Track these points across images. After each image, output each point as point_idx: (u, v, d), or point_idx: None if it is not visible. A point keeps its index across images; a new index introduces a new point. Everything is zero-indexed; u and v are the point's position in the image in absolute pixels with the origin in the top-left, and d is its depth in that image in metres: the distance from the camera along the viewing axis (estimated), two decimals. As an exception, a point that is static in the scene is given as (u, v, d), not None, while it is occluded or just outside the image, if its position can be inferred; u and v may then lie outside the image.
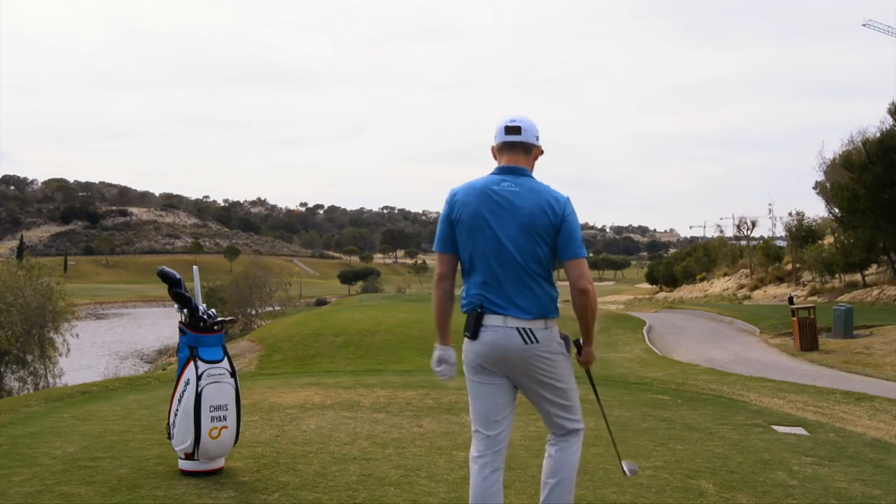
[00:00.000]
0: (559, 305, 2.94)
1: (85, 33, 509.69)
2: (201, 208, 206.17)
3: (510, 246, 2.82)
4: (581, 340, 3.03)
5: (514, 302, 2.82)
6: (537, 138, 2.99)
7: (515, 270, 2.83)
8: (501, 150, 2.98)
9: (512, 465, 4.56)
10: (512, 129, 2.95)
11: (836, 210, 31.38)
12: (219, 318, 4.29)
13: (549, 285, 2.89)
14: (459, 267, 2.98)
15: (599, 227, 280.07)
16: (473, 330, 2.85)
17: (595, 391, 3.29)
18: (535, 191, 2.87)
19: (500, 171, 2.94)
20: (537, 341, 2.83)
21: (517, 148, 2.95)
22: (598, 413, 6.29)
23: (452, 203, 2.93)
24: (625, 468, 3.37)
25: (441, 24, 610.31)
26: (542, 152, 3.01)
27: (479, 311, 2.85)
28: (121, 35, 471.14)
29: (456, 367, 3.00)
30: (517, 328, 2.81)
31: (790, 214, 50.01)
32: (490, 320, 2.84)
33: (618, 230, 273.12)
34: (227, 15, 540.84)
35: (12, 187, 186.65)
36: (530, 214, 2.82)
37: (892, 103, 29.30)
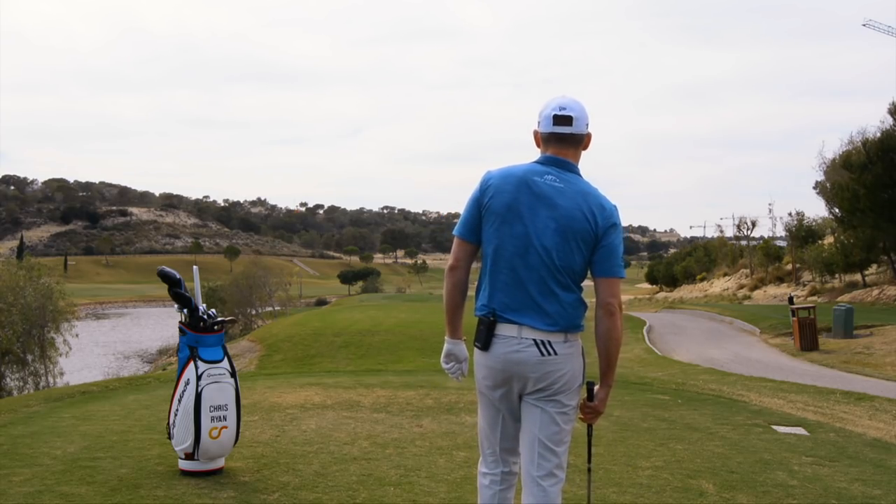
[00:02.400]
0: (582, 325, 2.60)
1: (83, 33, 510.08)
2: (201, 208, 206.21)
3: (540, 247, 2.49)
4: (595, 383, 2.63)
5: (534, 310, 2.49)
6: (587, 125, 2.60)
7: (542, 275, 2.49)
8: (548, 140, 2.59)
9: (512, 465, 4.56)
10: (561, 120, 2.54)
11: (836, 210, 31.40)
12: (219, 318, 4.29)
13: (576, 296, 2.55)
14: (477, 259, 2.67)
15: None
16: (485, 340, 2.54)
17: (589, 452, 2.86)
18: (581, 192, 2.52)
19: (546, 161, 2.57)
20: (555, 353, 2.50)
21: (566, 140, 2.57)
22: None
23: (485, 188, 2.57)
24: None
25: (440, 25, 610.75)
26: (591, 139, 2.64)
27: (491, 318, 2.53)
28: (119, 35, 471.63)
29: (467, 363, 2.68)
30: (534, 340, 2.50)
31: (790, 214, 50.01)
32: (503, 330, 2.52)
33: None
34: (226, 15, 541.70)
35: (12, 187, 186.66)
36: (570, 217, 2.48)
37: (893, 103, 29.32)
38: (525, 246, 2.50)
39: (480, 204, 2.58)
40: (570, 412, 2.58)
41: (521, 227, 2.50)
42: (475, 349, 2.61)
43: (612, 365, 2.57)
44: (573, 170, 2.58)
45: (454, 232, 2.66)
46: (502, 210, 2.52)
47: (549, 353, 2.50)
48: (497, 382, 2.57)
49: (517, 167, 2.60)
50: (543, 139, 2.61)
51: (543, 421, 2.55)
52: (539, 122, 2.62)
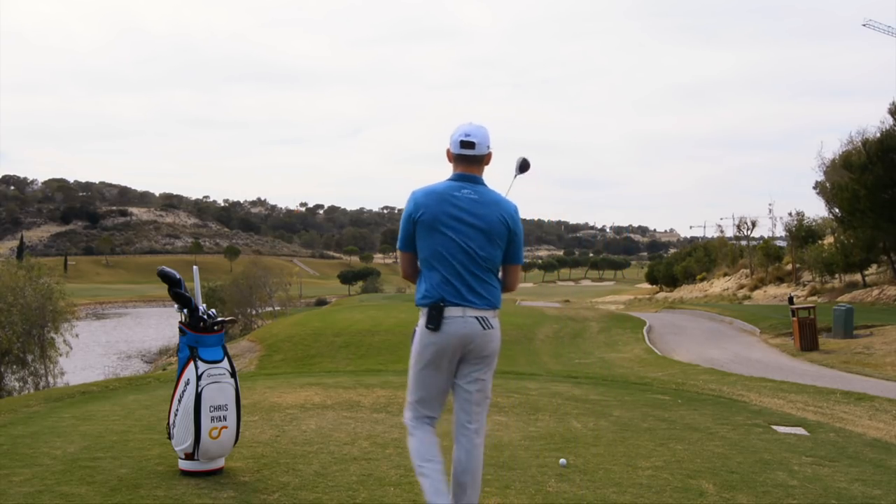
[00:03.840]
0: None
1: (81, 33, 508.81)
2: (201, 208, 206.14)
3: (469, 248, 3.14)
4: None
5: (472, 295, 3.15)
6: (488, 147, 3.25)
7: (473, 269, 3.16)
8: (457, 160, 3.24)
9: (512, 465, 4.56)
10: (466, 144, 3.20)
11: (836, 210, 31.40)
12: (219, 319, 4.29)
13: (498, 281, 3.29)
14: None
15: (599, 227, 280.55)
16: (437, 322, 3.11)
17: None
18: (494, 202, 3.21)
19: (458, 178, 3.23)
20: (493, 327, 3.21)
21: (471, 160, 3.23)
22: (599, 413, 6.33)
23: (416, 205, 3.19)
24: None
25: (439, 25, 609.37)
26: (491, 155, 3.29)
27: (441, 304, 3.12)
28: (117, 35, 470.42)
29: None
30: (476, 317, 3.15)
31: (790, 214, 50.00)
32: (451, 312, 3.13)
33: (618, 230, 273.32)
34: (224, 15, 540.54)
35: (12, 187, 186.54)
36: (490, 223, 3.16)
37: (893, 103, 29.32)
38: (457, 248, 3.14)
39: (413, 219, 3.19)
40: (493, 369, 3.29)
41: (450, 234, 3.14)
42: (424, 332, 3.16)
43: None
44: (481, 182, 3.26)
45: (398, 247, 3.31)
46: (431, 221, 3.15)
47: (489, 327, 3.19)
48: (445, 355, 3.16)
49: (437, 185, 3.24)
50: (454, 158, 3.26)
51: (480, 383, 3.23)
52: (450, 144, 3.25)
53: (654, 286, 70.22)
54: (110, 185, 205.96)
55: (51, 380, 22.51)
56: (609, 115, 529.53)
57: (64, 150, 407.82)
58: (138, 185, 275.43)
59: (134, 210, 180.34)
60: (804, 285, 37.23)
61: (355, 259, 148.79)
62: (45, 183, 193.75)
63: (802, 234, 39.82)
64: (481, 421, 3.24)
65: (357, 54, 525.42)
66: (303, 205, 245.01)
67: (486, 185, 3.26)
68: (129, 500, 3.75)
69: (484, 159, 3.26)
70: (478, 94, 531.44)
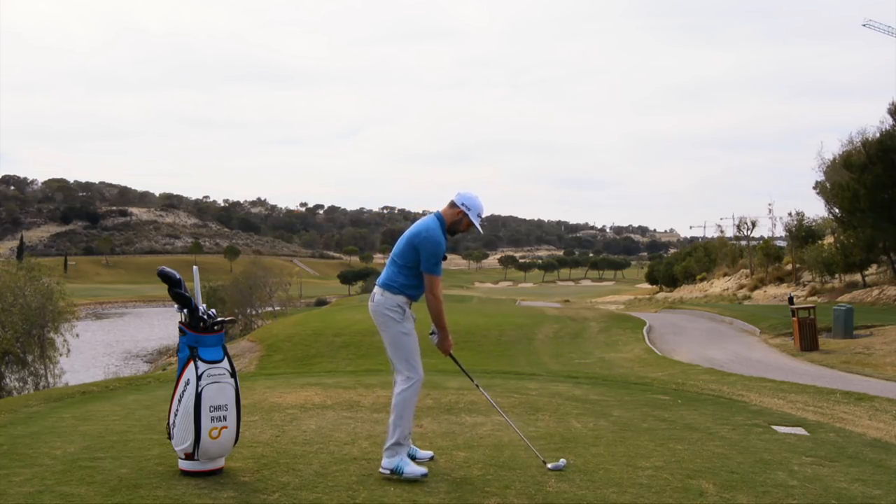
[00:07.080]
0: (407, 292, 4.37)
1: (80, 33, 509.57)
2: (201, 208, 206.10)
3: (395, 247, 4.48)
4: (433, 331, 4.52)
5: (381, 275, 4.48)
6: (454, 204, 4.47)
7: (390, 260, 4.47)
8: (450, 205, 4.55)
9: (512, 465, 4.57)
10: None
11: (836, 210, 31.42)
12: (219, 319, 4.28)
13: (399, 274, 4.39)
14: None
15: (599, 227, 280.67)
16: None
17: (462, 370, 4.89)
18: (416, 226, 4.44)
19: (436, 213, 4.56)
20: (373, 301, 4.44)
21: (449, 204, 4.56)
22: (599, 413, 6.33)
23: None
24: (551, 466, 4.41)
25: (436, 25, 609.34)
26: (459, 213, 4.45)
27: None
28: (115, 35, 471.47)
29: (436, 334, 4.56)
30: (374, 291, 4.47)
31: (790, 214, 49.95)
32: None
33: (618, 230, 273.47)
34: (223, 15, 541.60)
35: (12, 187, 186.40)
36: (409, 235, 4.42)
37: (893, 103, 29.37)
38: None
39: None
40: (387, 337, 4.46)
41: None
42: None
43: (436, 321, 4.48)
44: (434, 214, 4.49)
45: None
46: None
47: (372, 301, 4.46)
48: None
49: None
50: (449, 205, 4.53)
51: (386, 349, 4.50)
52: (466, 208, 4.47)
53: (654, 286, 70.27)
54: (110, 185, 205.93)
55: (51, 380, 22.52)
56: (608, 116, 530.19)
57: (63, 150, 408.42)
58: (138, 185, 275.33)
59: (134, 210, 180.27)
60: (804, 285, 37.23)
61: (355, 259, 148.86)
62: (45, 183, 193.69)
63: (802, 234, 39.82)
64: (400, 372, 4.42)
65: (355, 54, 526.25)
66: (303, 205, 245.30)
67: (433, 217, 4.47)
68: (129, 500, 3.75)
69: (449, 203, 4.50)
70: (476, 95, 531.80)
